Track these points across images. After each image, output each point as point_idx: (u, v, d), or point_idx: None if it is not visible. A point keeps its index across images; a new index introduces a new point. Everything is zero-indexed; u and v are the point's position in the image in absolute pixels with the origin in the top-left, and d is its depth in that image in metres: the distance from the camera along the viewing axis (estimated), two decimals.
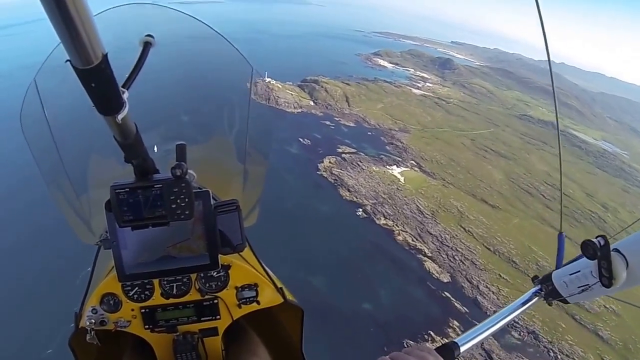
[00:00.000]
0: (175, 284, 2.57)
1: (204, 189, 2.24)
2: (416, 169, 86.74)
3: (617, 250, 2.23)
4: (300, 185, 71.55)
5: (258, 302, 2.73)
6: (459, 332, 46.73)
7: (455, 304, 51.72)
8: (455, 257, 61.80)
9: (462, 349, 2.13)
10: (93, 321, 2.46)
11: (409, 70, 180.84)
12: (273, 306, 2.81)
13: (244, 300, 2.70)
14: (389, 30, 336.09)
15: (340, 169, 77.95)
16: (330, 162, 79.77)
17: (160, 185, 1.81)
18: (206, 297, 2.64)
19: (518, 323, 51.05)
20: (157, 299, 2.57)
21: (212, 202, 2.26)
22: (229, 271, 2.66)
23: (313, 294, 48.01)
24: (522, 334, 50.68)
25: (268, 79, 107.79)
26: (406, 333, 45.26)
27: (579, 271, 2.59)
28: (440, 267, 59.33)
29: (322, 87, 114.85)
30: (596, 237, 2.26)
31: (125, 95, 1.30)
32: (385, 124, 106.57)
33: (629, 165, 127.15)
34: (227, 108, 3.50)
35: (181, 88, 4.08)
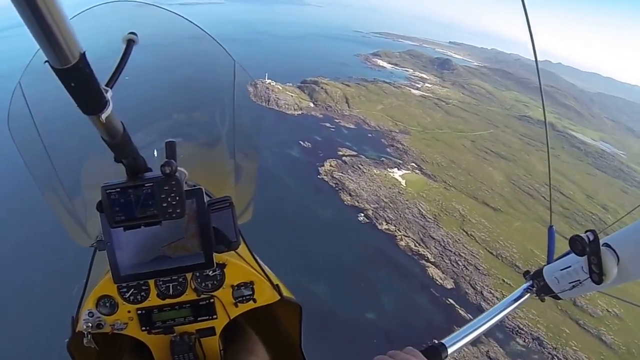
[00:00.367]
0: (171, 284, 2.53)
1: (196, 187, 2.22)
2: (417, 171, 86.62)
3: (607, 245, 2.16)
4: (301, 190, 71.11)
5: (255, 300, 2.69)
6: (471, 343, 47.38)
7: (460, 311, 51.33)
8: (459, 262, 61.47)
9: (450, 350, 2.06)
10: (90, 325, 2.42)
11: (407, 71, 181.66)
12: (270, 304, 2.77)
13: (241, 298, 2.67)
14: (388, 31, 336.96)
15: (342, 173, 77.61)
16: (331, 166, 79.35)
17: (151, 184, 1.81)
18: (202, 296, 2.59)
19: (522, 329, 51.17)
20: (153, 299, 2.52)
21: (206, 199, 2.23)
22: (225, 270, 2.61)
23: (315, 301, 47.70)
24: (526, 340, 50.52)
25: (268, 80, 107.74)
26: (410, 343, 43.49)
27: (569, 266, 2.54)
28: (443, 272, 59.02)
29: (322, 88, 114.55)
30: (585, 232, 2.20)
31: (109, 94, 1.29)
32: (385, 126, 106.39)
33: (627, 165, 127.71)
34: (214, 104, 3.45)
35: (168, 86, 4.07)
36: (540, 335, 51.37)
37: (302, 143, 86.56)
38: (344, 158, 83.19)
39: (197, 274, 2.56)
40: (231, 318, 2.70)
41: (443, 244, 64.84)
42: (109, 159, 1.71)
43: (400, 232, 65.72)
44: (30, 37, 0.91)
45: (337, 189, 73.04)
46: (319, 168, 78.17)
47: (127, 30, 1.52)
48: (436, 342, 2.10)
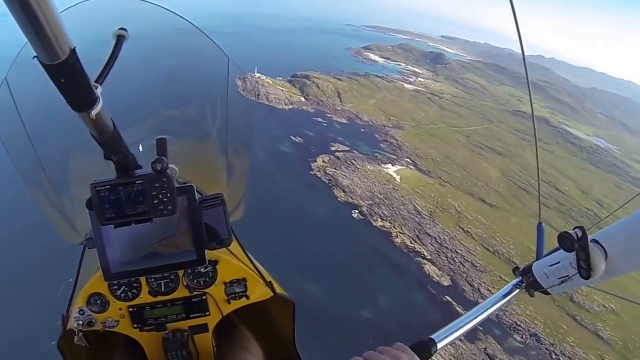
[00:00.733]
0: (162, 281, 2.51)
1: (187, 184, 2.22)
2: (412, 167, 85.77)
3: (595, 241, 2.20)
4: (294, 186, 70.11)
5: (247, 297, 2.69)
6: (461, 337, 47.13)
7: (457, 309, 50.59)
8: (455, 259, 60.93)
9: (440, 345, 2.08)
10: (80, 322, 2.41)
11: (400, 65, 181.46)
12: (263, 300, 2.76)
13: (233, 295, 2.66)
14: (379, 24, 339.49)
15: (335, 169, 76.49)
16: (323, 161, 78.28)
17: (142, 181, 1.80)
18: (194, 293, 2.57)
19: (520, 326, 51.21)
20: (144, 297, 2.51)
21: (197, 196, 2.24)
22: (217, 266, 2.60)
23: (309, 300, 46.81)
24: (524, 336, 50.49)
25: (258, 74, 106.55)
26: (408, 342, 43.50)
27: (558, 262, 2.56)
28: (440, 269, 58.43)
29: (313, 82, 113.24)
30: (574, 229, 2.22)
31: (99, 91, 1.28)
32: (378, 120, 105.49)
33: (621, 161, 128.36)
34: (207, 101, 3.42)
35: (159, 82, 3.92)
36: (538, 331, 51.35)
37: (293, 138, 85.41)
38: (336, 153, 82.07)
39: (189, 271, 2.54)
40: (224, 315, 2.69)
41: (439, 241, 64.15)
42: (97, 155, 1.71)
43: (395, 228, 64.90)
44: (18, 30, 0.91)
45: (330, 185, 71.93)
46: (311, 164, 77.01)
47: (117, 26, 1.52)
48: (425, 337, 2.07)
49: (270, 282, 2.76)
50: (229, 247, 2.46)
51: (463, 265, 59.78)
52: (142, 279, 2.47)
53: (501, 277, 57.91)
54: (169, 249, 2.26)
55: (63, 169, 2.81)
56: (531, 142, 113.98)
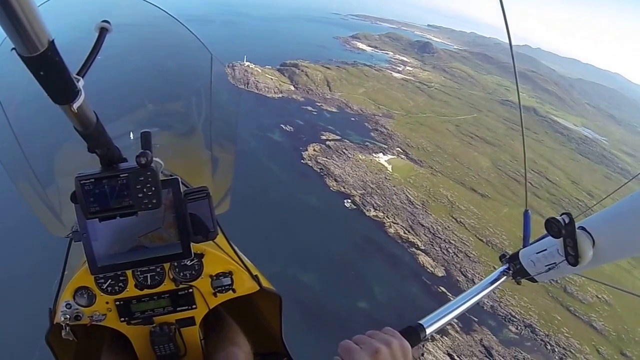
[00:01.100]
0: (149, 275, 2.52)
1: (173, 177, 2.23)
2: (403, 156, 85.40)
3: (583, 228, 2.16)
4: (286, 176, 69.30)
5: (234, 290, 2.70)
6: (458, 329, 47.29)
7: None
8: (449, 249, 60.62)
9: (429, 330, 2.05)
10: (68, 316, 2.40)
11: (388, 54, 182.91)
12: (250, 294, 2.78)
13: (220, 288, 2.66)
14: (366, 13, 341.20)
15: (326, 158, 75.79)
16: (314, 150, 77.51)
17: (126, 175, 1.79)
18: (181, 286, 2.59)
19: (515, 317, 51.26)
20: (131, 290, 2.51)
21: (182, 189, 2.25)
22: (203, 260, 2.61)
23: (305, 292, 46.53)
24: (519, 327, 50.48)
25: (247, 63, 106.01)
26: (397, 327, 43.50)
27: (545, 249, 2.53)
28: (434, 260, 58.09)
29: (302, 71, 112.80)
30: (561, 215, 2.18)
31: (81, 83, 1.27)
32: (368, 109, 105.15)
33: (609, 151, 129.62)
34: (191, 95, 3.46)
35: (143, 75, 3.97)
36: (533, 322, 51.34)
37: (284, 127, 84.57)
38: (327, 142, 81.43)
39: (175, 264, 2.55)
40: (210, 308, 2.70)
41: (433, 231, 63.73)
42: (84, 149, 1.70)
43: (388, 219, 64.36)
44: None
45: (322, 174, 71.24)
46: (303, 153, 76.27)
47: (100, 19, 1.49)
48: (414, 323, 2.03)
49: (256, 275, 2.75)
50: (215, 241, 2.45)
51: (457, 256, 59.54)
52: (128, 273, 2.46)
53: (495, 268, 55.28)
54: (155, 242, 2.24)
55: (49, 162, 2.78)
56: (520, 131, 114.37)
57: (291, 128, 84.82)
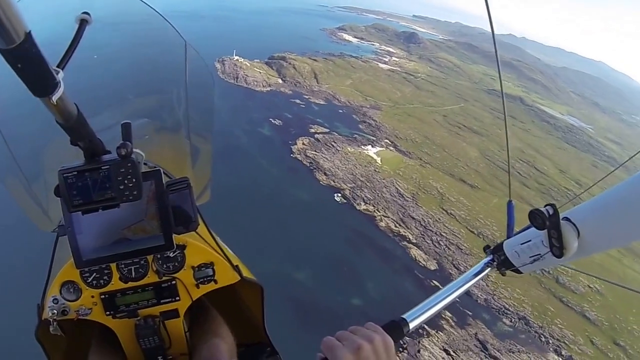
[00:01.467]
0: (133, 267, 2.52)
1: (155, 168, 2.23)
2: (391, 148, 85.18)
3: (567, 219, 2.15)
4: (275, 170, 68.80)
5: (215, 281, 2.70)
6: (452, 324, 47.08)
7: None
8: (440, 242, 60.45)
9: (412, 325, 2.04)
10: (55, 312, 2.41)
11: (374, 45, 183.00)
12: (232, 285, 2.78)
13: (202, 279, 2.67)
14: (352, 5, 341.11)
15: (315, 151, 75.25)
16: (303, 144, 77.03)
17: (107, 167, 1.79)
18: (164, 278, 2.58)
19: (509, 309, 51.39)
20: (115, 283, 2.51)
21: (165, 180, 2.25)
22: (185, 251, 2.60)
23: (298, 290, 46.36)
24: (513, 320, 50.59)
25: (236, 57, 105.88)
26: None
27: (530, 240, 2.49)
28: (426, 253, 57.84)
29: (289, 63, 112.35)
30: (545, 206, 2.17)
31: (60, 76, 1.25)
32: (355, 101, 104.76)
33: (595, 140, 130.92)
34: (170, 85, 3.42)
35: (123, 67, 3.84)
36: (526, 314, 51.43)
37: (272, 120, 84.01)
38: (316, 135, 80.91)
39: (158, 256, 2.54)
40: (194, 299, 2.70)
41: (424, 224, 63.51)
42: (68, 143, 1.72)
43: (379, 212, 64.05)
44: None
45: (311, 168, 70.70)
46: (292, 147, 75.74)
47: (80, 10, 1.48)
48: (397, 317, 2.03)
49: (237, 265, 2.75)
50: (197, 232, 2.45)
51: (448, 249, 59.35)
52: (113, 266, 2.46)
53: None
54: (138, 234, 2.23)
55: (35, 157, 2.78)
56: (509, 121, 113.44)
57: (280, 122, 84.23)
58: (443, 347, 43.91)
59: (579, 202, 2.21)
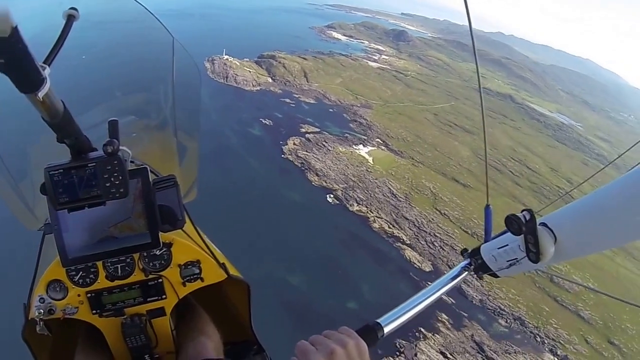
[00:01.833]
0: (119, 265, 2.51)
1: (142, 166, 2.23)
2: (383, 147, 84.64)
3: (544, 224, 2.17)
4: (267, 171, 68.05)
5: (202, 279, 2.70)
6: (449, 326, 46.67)
7: (441, 295, 49.11)
8: (435, 243, 60.01)
9: (387, 329, 2.04)
10: (42, 311, 2.39)
11: (363, 43, 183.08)
12: (219, 283, 2.78)
13: (188, 277, 2.67)
14: (340, 3, 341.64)
15: (306, 151, 74.48)
16: (294, 144, 76.29)
17: (94, 164, 1.77)
18: (151, 276, 2.58)
19: (504, 310, 51.44)
20: (102, 282, 2.50)
21: (152, 178, 2.26)
22: (171, 249, 2.60)
23: (293, 293, 45.95)
24: (508, 320, 50.61)
25: (225, 56, 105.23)
26: (397, 333, 42.41)
27: (507, 245, 2.49)
28: (420, 255, 57.37)
29: (279, 62, 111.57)
30: (522, 211, 2.18)
31: (47, 72, 1.24)
32: (346, 100, 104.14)
33: (585, 137, 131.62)
34: (157, 83, 3.43)
35: (110, 64, 3.87)
36: (522, 315, 51.47)
37: (263, 120, 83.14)
38: (307, 135, 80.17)
39: (145, 254, 2.54)
40: (180, 297, 2.70)
41: (417, 225, 62.99)
42: (55, 139, 1.69)
43: (372, 213, 63.44)
44: None
45: (303, 168, 69.96)
46: (283, 147, 74.92)
47: (67, 5, 1.45)
48: (372, 321, 2.04)
49: (223, 263, 2.75)
50: (184, 229, 2.48)
51: (443, 249, 58.94)
52: (99, 264, 2.45)
53: None
54: (124, 232, 2.23)
55: (20, 154, 2.77)
56: (498, 119, 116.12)
57: (270, 122, 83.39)
58: (440, 349, 43.62)
59: (558, 206, 2.23)
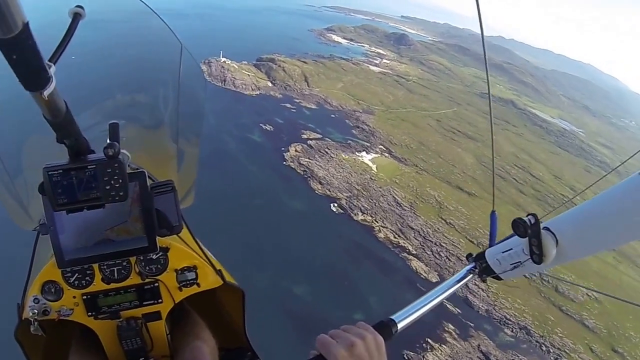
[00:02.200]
0: (115, 268, 2.53)
1: (139, 170, 2.24)
2: (386, 154, 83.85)
3: (547, 228, 2.31)
4: (268, 179, 67.01)
5: (198, 285, 2.73)
6: (455, 336, 46.44)
7: (447, 306, 49.60)
8: (441, 253, 59.50)
9: (400, 325, 2.11)
10: (36, 311, 2.40)
11: (364, 46, 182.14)
12: (214, 289, 2.82)
13: (184, 282, 2.69)
14: (339, 5, 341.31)
15: (309, 159, 73.60)
16: (296, 151, 75.29)
17: (94, 166, 1.80)
18: (147, 280, 2.61)
19: (510, 319, 51.56)
20: (98, 284, 2.52)
21: (148, 183, 2.26)
22: (168, 253, 2.63)
23: (298, 305, 45.26)
24: (514, 330, 50.78)
25: (223, 59, 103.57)
26: (404, 344, 43.00)
27: (511, 249, 2.65)
28: (427, 265, 56.89)
29: (279, 66, 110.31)
30: (527, 216, 2.32)
31: (52, 70, 1.23)
32: (348, 105, 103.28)
33: (587, 144, 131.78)
34: (160, 87, 3.41)
35: (113, 65, 3.90)
36: (527, 324, 51.54)
37: (263, 126, 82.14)
38: (309, 142, 79.15)
39: (141, 258, 2.56)
40: (176, 302, 2.72)
41: (423, 234, 62.39)
42: (52, 139, 1.71)
43: (377, 222, 62.75)
44: None
45: (305, 176, 69.02)
46: (284, 154, 73.95)
47: (73, 3, 1.46)
48: (386, 318, 2.09)
49: (219, 270, 2.79)
50: (180, 235, 2.48)
51: (449, 260, 58.44)
52: (95, 266, 2.46)
53: None
54: (121, 235, 2.24)
55: (16, 151, 2.73)
56: (501, 125, 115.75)
57: (271, 127, 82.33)
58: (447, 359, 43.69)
59: (560, 212, 2.36)
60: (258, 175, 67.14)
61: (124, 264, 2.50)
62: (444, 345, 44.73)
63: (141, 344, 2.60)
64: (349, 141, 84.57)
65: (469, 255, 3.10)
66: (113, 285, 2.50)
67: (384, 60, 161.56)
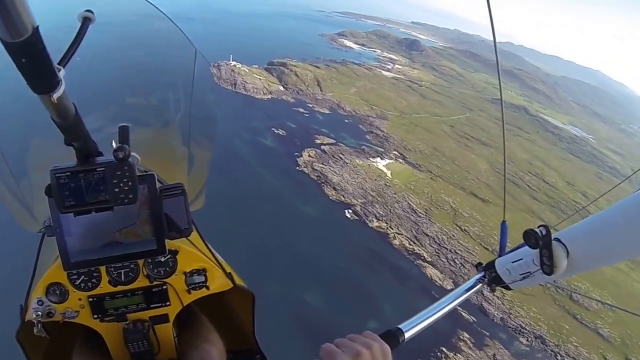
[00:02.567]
0: (122, 271, 2.53)
1: (148, 172, 2.24)
2: (401, 160, 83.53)
3: (558, 239, 2.33)
4: (281, 184, 66.73)
5: (207, 288, 2.73)
6: (470, 345, 46.31)
7: (462, 314, 49.49)
8: (456, 260, 59.23)
9: (407, 334, 2.13)
10: (40, 313, 2.40)
11: (376, 52, 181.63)
12: (223, 291, 2.81)
13: (193, 285, 2.70)
14: (350, 10, 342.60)
15: (322, 164, 73.38)
16: (310, 156, 75.04)
17: (103, 169, 1.78)
18: (155, 283, 2.61)
19: (525, 328, 51.24)
20: (104, 286, 2.51)
21: (158, 186, 2.25)
22: (177, 256, 2.63)
23: (311, 313, 44.95)
24: (529, 339, 50.37)
25: (233, 62, 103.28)
26: (418, 353, 42.35)
27: (521, 259, 2.69)
28: (442, 272, 56.66)
29: (291, 70, 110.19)
30: (538, 227, 2.35)
31: (62, 73, 1.24)
32: (361, 110, 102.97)
33: (598, 150, 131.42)
34: (173, 91, 3.45)
35: (124, 68, 3.99)
36: (542, 333, 51.18)
37: (275, 130, 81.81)
38: (322, 147, 78.80)
39: (149, 261, 2.56)
40: (184, 305, 2.72)
41: (438, 241, 62.20)
42: (57, 141, 1.69)
43: (392, 229, 62.53)
44: None
45: (319, 182, 68.70)
46: (297, 159, 73.53)
47: (83, 7, 1.48)
48: (394, 327, 2.13)
49: (230, 273, 2.79)
50: (189, 238, 2.49)
51: (464, 267, 58.09)
52: (102, 269, 2.46)
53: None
54: (129, 238, 2.23)
55: (22, 153, 2.76)
56: (513, 131, 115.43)
57: (283, 132, 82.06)
58: None
59: (573, 221, 2.42)
60: (270, 179, 67.06)
61: (132, 266, 2.52)
62: (459, 355, 44.56)
63: (148, 347, 2.62)
64: (363, 147, 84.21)
65: (478, 265, 3.18)
66: (120, 288, 2.53)
67: (396, 66, 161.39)
